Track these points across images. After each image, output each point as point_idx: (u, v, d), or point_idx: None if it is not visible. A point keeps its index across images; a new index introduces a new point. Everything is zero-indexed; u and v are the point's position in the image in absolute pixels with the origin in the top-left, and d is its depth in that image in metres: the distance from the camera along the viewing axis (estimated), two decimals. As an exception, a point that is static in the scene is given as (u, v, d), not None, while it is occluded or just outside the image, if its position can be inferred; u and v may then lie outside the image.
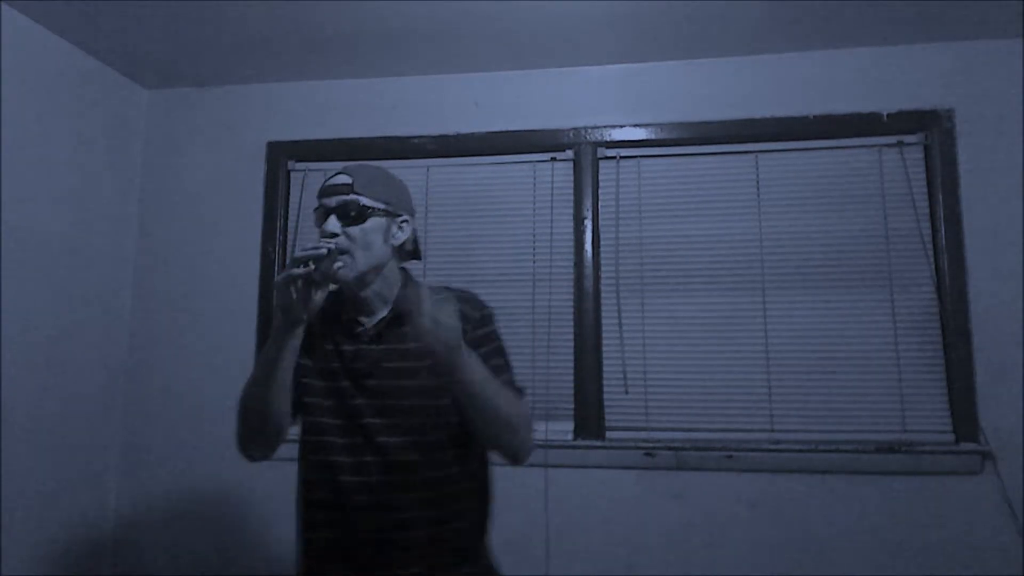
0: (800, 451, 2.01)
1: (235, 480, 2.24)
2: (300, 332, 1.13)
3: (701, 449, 2.05)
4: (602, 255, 2.21)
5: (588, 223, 2.22)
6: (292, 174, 2.43)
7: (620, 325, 2.17)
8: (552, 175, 2.28)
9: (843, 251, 2.11)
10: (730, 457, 2.03)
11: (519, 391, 1.26)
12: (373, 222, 1.19)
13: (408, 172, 2.33)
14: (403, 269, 1.31)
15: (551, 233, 2.25)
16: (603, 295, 2.20)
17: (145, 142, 2.47)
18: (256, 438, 1.18)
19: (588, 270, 2.19)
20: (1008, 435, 1.93)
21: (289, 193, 2.41)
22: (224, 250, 2.37)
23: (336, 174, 1.22)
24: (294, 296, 1.08)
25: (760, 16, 1.97)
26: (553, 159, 2.28)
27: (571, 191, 2.26)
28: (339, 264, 1.13)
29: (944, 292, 2.03)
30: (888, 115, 2.12)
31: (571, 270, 2.21)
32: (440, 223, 2.31)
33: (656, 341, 2.15)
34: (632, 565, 2.04)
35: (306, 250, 1.10)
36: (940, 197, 2.06)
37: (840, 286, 2.09)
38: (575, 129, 2.27)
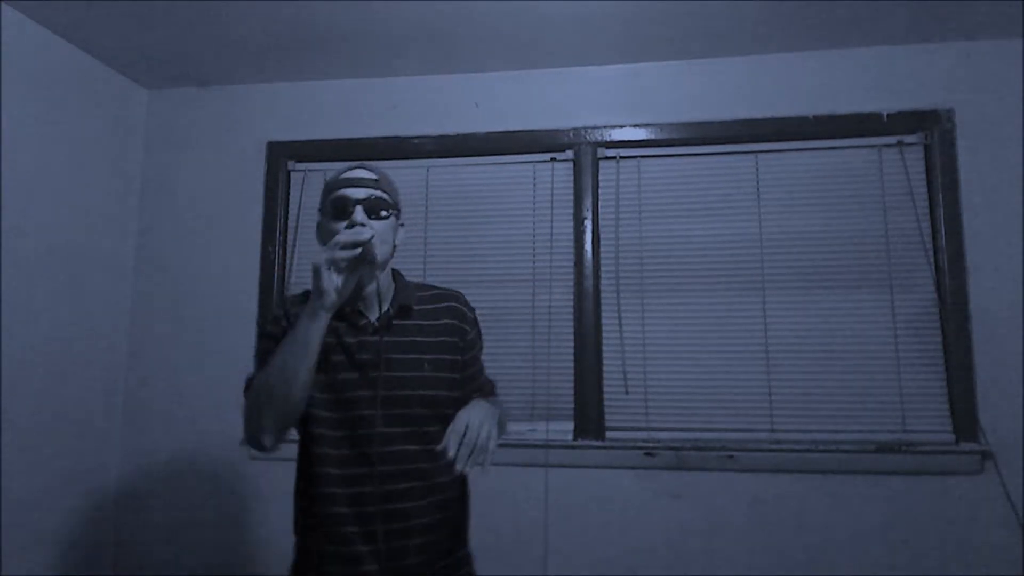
0: (800, 451, 2.01)
1: (235, 480, 2.24)
2: (329, 317, 1.14)
3: (701, 449, 2.05)
4: (602, 255, 2.21)
5: (588, 223, 2.22)
6: (292, 174, 2.43)
7: (620, 325, 2.17)
8: (552, 175, 2.28)
9: (843, 251, 2.11)
10: (730, 457, 2.03)
11: (493, 385, 1.43)
12: (391, 220, 1.25)
13: (408, 172, 2.35)
14: (393, 268, 1.35)
15: (551, 233, 2.25)
16: (603, 295, 2.20)
17: (145, 142, 2.47)
18: (277, 425, 1.15)
19: (588, 270, 2.20)
20: (1008, 435, 1.93)
21: (289, 193, 2.41)
22: (224, 250, 2.37)
23: (355, 167, 1.25)
24: (333, 279, 1.11)
25: (760, 16, 1.97)
26: (553, 159, 2.28)
27: (571, 191, 2.26)
28: (376, 253, 1.17)
29: (944, 292, 2.03)
30: (888, 115, 2.12)
31: (571, 270, 2.21)
32: (440, 223, 2.31)
33: (656, 341, 2.15)
34: (632, 565, 2.04)
35: (349, 235, 1.13)
36: (940, 197, 2.06)
37: (840, 286, 2.09)
38: (575, 129, 2.27)
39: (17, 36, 1.95)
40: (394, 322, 1.26)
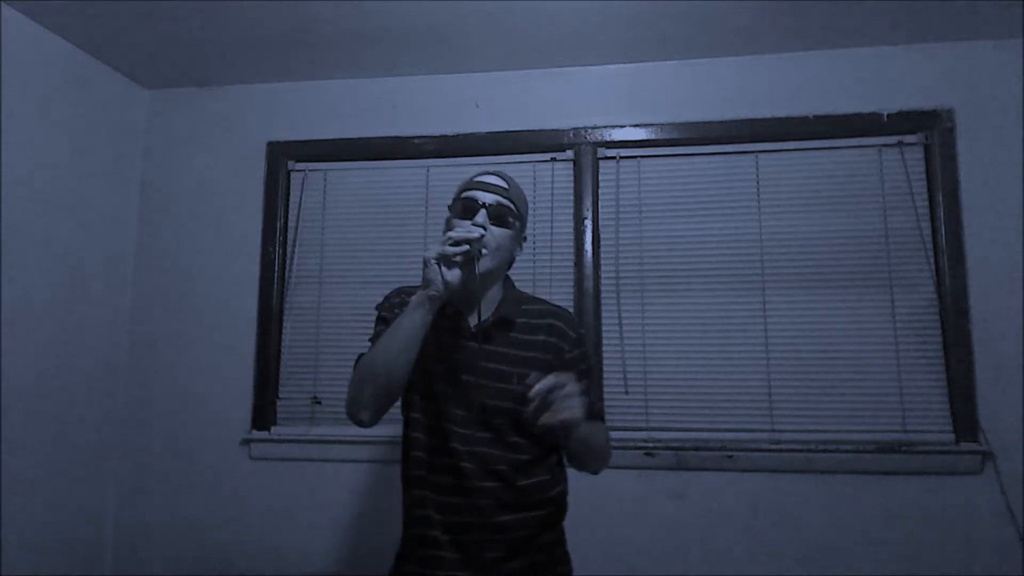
0: (800, 451, 2.01)
1: (235, 480, 2.24)
2: (434, 309, 1.18)
3: (701, 449, 2.05)
4: (602, 255, 2.21)
5: (588, 223, 2.22)
6: (292, 174, 2.43)
7: (620, 325, 2.17)
8: (552, 175, 2.28)
9: (843, 251, 2.11)
10: (730, 457, 2.03)
11: (602, 417, 1.42)
12: (513, 231, 1.30)
13: (408, 172, 2.35)
14: (507, 277, 1.40)
15: (551, 233, 2.25)
16: (603, 295, 2.20)
17: (145, 142, 2.47)
18: (376, 403, 1.20)
19: (588, 270, 2.19)
20: (1008, 435, 1.93)
21: (289, 193, 2.41)
22: (224, 250, 2.37)
23: (488, 173, 1.32)
24: (439, 272, 1.16)
25: (760, 16, 1.97)
26: (553, 159, 2.28)
27: (571, 191, 2.26)
28: (485, 253, 1.22)
29: (944, 292, 2.03)
30: (888, 115, 2.12)
31: (571, 270, 2.21)
32: (440, 223, 2.29)
33: (656, 341, 2.15)
34: (632, 565, 2.04)
35: (460, 232, 1.18)
36: (940, 197, 2.06)
37: (840, 286, 2.09)
38: (575, 129, 2.27)
39: (17, 36, 1.95)
40: (492, 331, 1.29)
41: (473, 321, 1.29)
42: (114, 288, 2.33)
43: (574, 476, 2.12)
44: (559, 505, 1.34)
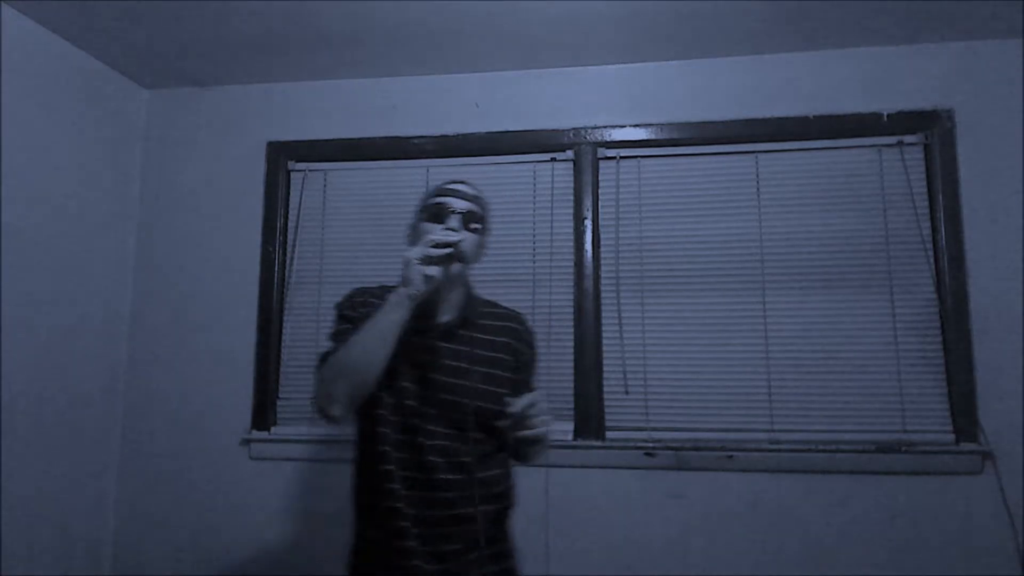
0: (800, 451, 2.01)
1: (235, 480, 2.24)
2: (412, 307, 1.23)
3: (701, 449, 2.05)
4: (602, 255, 2.21)
5: (588, 223, 2.22)
6: (292, 174, 2.43)
7: (620, 325, 2.17)
8: (552, 175, 2.28)
9: (843, 251, 2.11)
10: (730, 457, 2.03)
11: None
12: (480, 237, 1.37)
13: (408, 172, 2.35)
14: (465, 280, 1.44)
15: (551, 233, 2.25)
16: (603, 295, 2.20)
17: (145, 142, 2.47)
18: (349, 398, 1.24)
19: (588, 270, 2.19)
20: (1008, 435, 1.93)
21: (289, 193, 2.41)
22: (224, 250, 2.37)
23: (457, 181, 1.38)
24: (421, 272, 1.20)
25: (760, 16, 1.97)
26: (553, 159, 2.28)
27: (571, 191, 2.26)
28: (463, 256, 1.28)
29: (944, 292, 2.03)
30: (888, 115, 2.12)
31: (571, 270, 2.21)
32: (440, 223, 2.30)
33: (656, 341, 2.15)
34: (632, 565, 2.04)
35: (443, 235, 1.25)
36: (940, 197, 2.06)
37: (840, 286, 2.09)
38: (575, 129, 2.27)
39: (17, 36, 1.95)
40: (455, 331, 1.35)
41: (438, 320, 1.35)
42: (114, 288, 2.33)
43: (579, 478, 2.13)
44: (510, 499, 1.41)
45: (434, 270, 1.21)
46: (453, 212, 1.32)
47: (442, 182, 1.40)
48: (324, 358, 1.30)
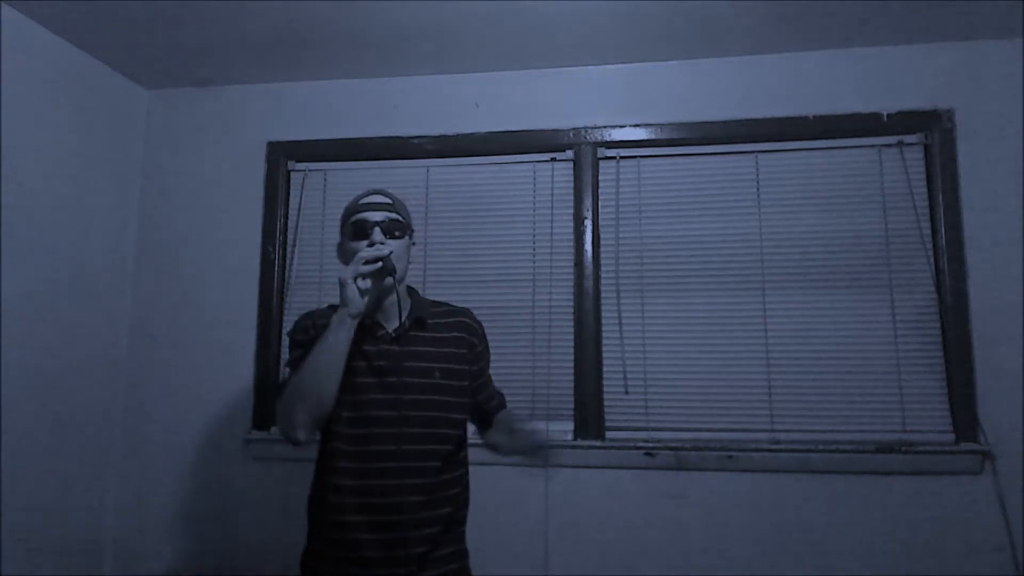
0: (800, 451, 2.01)
1: (235, 480, 2.24)
2: (356, 324, 1.30)
3: (701, 449, 2.05)
4: (602, 255, 2.21)
5: (588, 223, 2.22)
6: (292, 174, 2.43)
7: (620, 325, 2.17)
8: (552, 175, 2.28)
9: (843, 251, 2.11)
10: (730, 457, 2.03)
11: (503, 397, 1.61)
12: (405, 239, 1.41)
13: (408, 172, 2.35)
14: (408, 285, 1.52)
15: (551, 233, 2.25)
16: (603, 295, 2.20)
17: (145, 142, 2.47)
18: (310, 421, 1.29)
19: (588, 270, 2.19)
20: (1008, 435, 1.93)
21: (289, 193, 2.41)
22: (224, 250, 2.37)
23: (371, 192, 1.42)
24: (359, 291, 1.27)
25: (760, 16, 1.97)
26: (553, 159, 2.28)
27: (571, 191, 2.26)
28: (394, 266, 1.33)
29: (944, 292, 2.03)
30: (888, 115, 2.12)
31: (571, 270, 2.21)
32: (440, 224, 2.31)
33: (656, 341, 2.15)
34: (632, 565, 2.04)
35: (371, 251, 1.29)
36: (940, 197, 2.06)
37: (840, 286, 2.09)
38: (575, 129, 2.27)
39: (17, 36, 1.95)
40: (410, 333, 1.40)
41: (391, 326, 1.40)
42: (114, 288, 2.33)
43: (579, 478, 2.13)
44: (466, 500, 1.46)
45: (368, 285, 1.28)
46: (375, 225, 1.36)
47: (357, 197, 1.43)
48: (282, 387, 1.34)
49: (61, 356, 2.09)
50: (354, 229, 1.38)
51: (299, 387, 1.28)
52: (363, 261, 1.28)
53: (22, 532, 1.94)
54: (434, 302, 1.52)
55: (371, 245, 1.33)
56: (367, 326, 1.36)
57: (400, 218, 1.41)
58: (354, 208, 1.41)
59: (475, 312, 1.55)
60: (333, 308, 1.36)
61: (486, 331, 1.55)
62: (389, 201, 1.42)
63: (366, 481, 1.32)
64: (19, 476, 1.93)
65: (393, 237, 1.38)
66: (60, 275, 2.10)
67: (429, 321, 1.44)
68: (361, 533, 1.31)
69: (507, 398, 1.63)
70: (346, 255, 1.39)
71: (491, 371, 1.59)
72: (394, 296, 1.41)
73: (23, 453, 1.95)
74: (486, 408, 1.55)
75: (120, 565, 2.27)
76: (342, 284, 1.27)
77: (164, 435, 2.30)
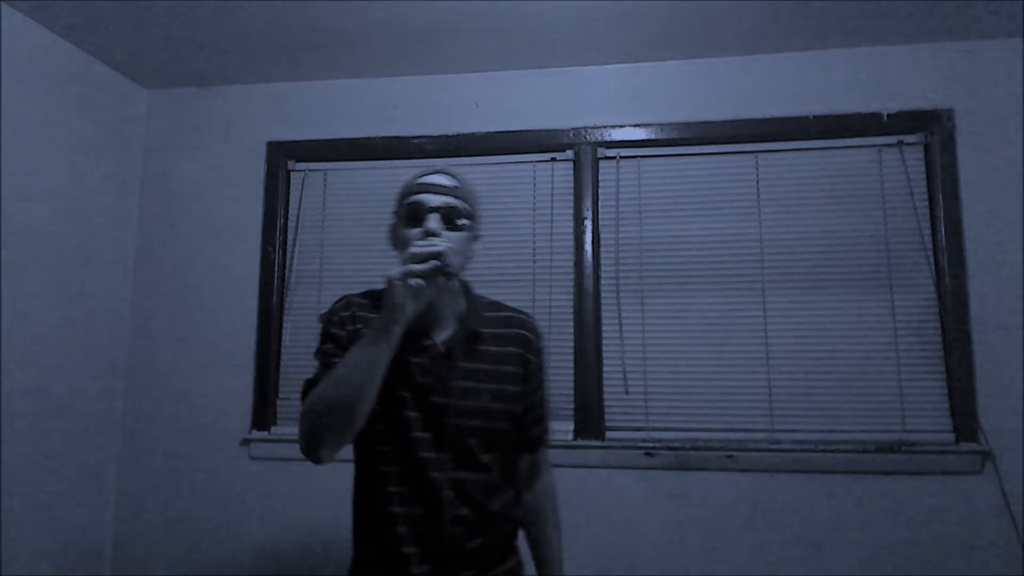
0: (800, 451, 2.01)
1: (235, 480, 2.24)
2: (401, 333, 1.07)
3: (701, 449, 2.05)
4: (602, 255, 2.21)
5: (588, 223, 2.22)
6: (292, 174, 2.43)
7: (620, 325, 2.17)
8: (552, 175, 2.28)
9: (843, 251, 2.11)
10: (730, 457, 2.03)
11: (546, 432, 1.37)
12: (467, 232, 1.19)
13: (408, 172, 2.32)
14: (464, 282, 1.29)
15: (551, 233, 2.25)
16: (603, 295, 2.20)
17: (145, 142, 2.47)
18: (336, 442, 1.09)
19: (588, 270, 2.19)
20: (1008, 435, 1.93)
21: (289, 193, 2.41)
22: (224, 250, 2.37)
23: (434, 172, 1.21)
24: (407, 293, 1.04)
25: (760, 16, 1.97)
26: (553, 159, 2.28)
27: (571, 191, 2.26)
28: (452, 263, 1.08)
29: (944, 292, 2.03)
30: (888, 115, 2.12)
31: (571, 270, 2.21)
32: (440, 223, 2.30)
33: (656, 341, 2.15)
34: (632, 565, 2.04)
35: (424, 247, 1.06)
36: (940, 197, 2.06)
37: (840, 286, 2.09)
38: (575, 129, 2.27)
39: (17, 36, 1.95)
40: (458, 348, 1.19)
41: (439, 337, 1.19)
42: (114, 288, 2.33)
43: (579, 478, 2.13)
44: (518, 524, 1.31)
45: (420, 285, 1.04)
46: (431, 210, 1.15)
47: (416, 175, 1.23)
48: (308, 387, 1.15)
49: (61, 356, 2.09)
50: (408, 212, 1.17)
51: (326, 401, 1.07)
52: (415, 258, 1.05)
53: (22, 532, 1.94)
54: (490, 303, 1.31)
55: (426, 236, 1.11)
56: (412, 332, 1.13)
57: (463, 205, 1.18)
58: (412, 187, 1.20)
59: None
60: (374, 296, 1.18)
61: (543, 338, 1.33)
62: (452, 183, 1.19)
63: (412, 508, 1.16)
64: (19, 477, 1.93)
65: (453, 227, 1.16)
66: (60, 275, 2.10)
67: (483, 332, 1.23)
68: (410, 562, 1.15)
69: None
70: (398, 241, 1.19)
71: None
72: (447, 298, 1.19)
73: (23, 453, 1.95)
74: (526, 436, 1.30)
75: (120, 566, 2.27)
76: (388, 285, 1.04)
77: (164, 435, 2.30)
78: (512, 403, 1.23)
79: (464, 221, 1.18)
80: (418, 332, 1.16)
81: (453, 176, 1.22)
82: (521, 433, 1.28)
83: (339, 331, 1.18)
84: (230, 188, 2.41)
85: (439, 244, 1.07)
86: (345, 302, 1.23)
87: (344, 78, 2.39)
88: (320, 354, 1.18)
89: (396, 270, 1.05)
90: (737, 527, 2.01)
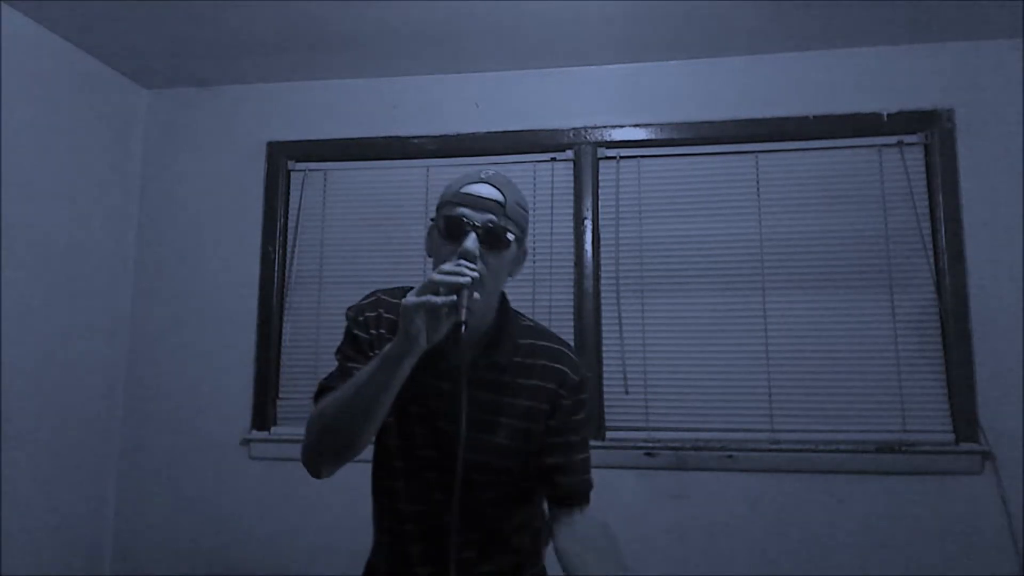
0: (800, 451, 2.01)
1: (235, 480, 2.24)
2: (414, 362, 0.97)
3: (701, 449, 2.05)
4: (602, 255, 2.21)
5: (588, 223, 2.22)
6: (292, 174, 2.43)
7: (620, 325, 2.17)
8: (552, 175, 2.28)
9: (843, 251, 2.11)
10: (730, 457, 2.03)
11: (589, 485, 1.21)
12: (510, 252, 1.05)
13: (408, 172, 2.35)
14: (502, 296, 1.14)
15: (551, 233, 2.25)
16: (603, 295, 2.20)
17: (145, 142, 2.47)
18: (337, 461, 1.04)
19: (588, 270, 2.19)
20: (1008, 435, 1.93)
21: (289, 193, 2.41)
22: (224, 250, 2.37)
23: (480, 182, 1.04)
24: (422, 326, 0.93)
25: (760, 16, 1.97)
26: (553, 159, 2.28)
27: (571, 191, 2.26)
28: (476, 296, 0.94)
29: (944, 292, 2.03)
30: (888, 115, 2.12)
31: (571, 270, 2.21)
32: (440, 223, 2.30)
33: (656, 341, 2.15)
34: (632, 565, 2.03)
35: (447, 273, 0.93)
36: (940, 197, 2.06)
37: (840, 286, 2.09)
38: (575, 129, 2.27)
39: (17, 36, 1.95)
40: (479, 375, 1.06)
41: (459, 359, 1.02)
42: (114, 288, 2.33)
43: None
44: (536, 553, 1.23)
45: (439, 322, 0.94)
46: (472, 230, 1.00)
47: (461, 178, 1.07)
48: (321, 391, 1.07)
49: (61, 356, 2.09)
50: (447, 226, 1.02)
51: (332, 421, 1.01)
52: (435, 286, 0.92)
53: (22, 532, 1.94)
54: (528, 328, 1.15)
55: (460, 257, 0.97)
56: (429, 354, 1.00)
57: (509, 224, 1.03)
58: (454, 197, 1.04)
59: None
60: (405, 296, 1.01)
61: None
62: (500, 198, 1.02)
63: (419, 525, 1.11)
64: (19, 476, 1.93)
65: (493, 249, 1.01)
66: (60, 275, 2.10)
67: (512, 361, 1.10)
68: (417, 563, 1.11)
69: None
70: (432, 249, 1.07)
71: None
72: (476, 321, 1.01)
73: (23, 453, 1.95)
74: (552, 482, 1.13)
75: (120, 565, 2.27)
76: (404, 313, 0.92)
77: (164, 435, 2.30)
78: (531, 442, 1.10)
79: (510, 238, 1.03)
80: (435, 352, 1.02)
81: (501, 187, 1.04)
82: (545, 475, 1.12)
83: (362, 333, 1.10)
84: (230, 188, 2.41)
85: (467, 275, 0.93)
86: (374, 300, 1.14)
87: (344, 78, 2.39)
88: (340, 355, 1.12)
89: (412, 298, 0.93)
90: (737, 527, 2.01)
